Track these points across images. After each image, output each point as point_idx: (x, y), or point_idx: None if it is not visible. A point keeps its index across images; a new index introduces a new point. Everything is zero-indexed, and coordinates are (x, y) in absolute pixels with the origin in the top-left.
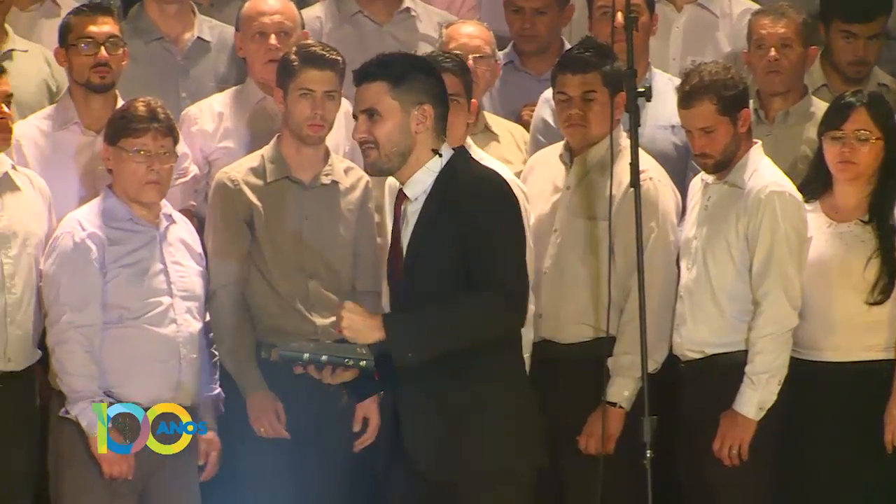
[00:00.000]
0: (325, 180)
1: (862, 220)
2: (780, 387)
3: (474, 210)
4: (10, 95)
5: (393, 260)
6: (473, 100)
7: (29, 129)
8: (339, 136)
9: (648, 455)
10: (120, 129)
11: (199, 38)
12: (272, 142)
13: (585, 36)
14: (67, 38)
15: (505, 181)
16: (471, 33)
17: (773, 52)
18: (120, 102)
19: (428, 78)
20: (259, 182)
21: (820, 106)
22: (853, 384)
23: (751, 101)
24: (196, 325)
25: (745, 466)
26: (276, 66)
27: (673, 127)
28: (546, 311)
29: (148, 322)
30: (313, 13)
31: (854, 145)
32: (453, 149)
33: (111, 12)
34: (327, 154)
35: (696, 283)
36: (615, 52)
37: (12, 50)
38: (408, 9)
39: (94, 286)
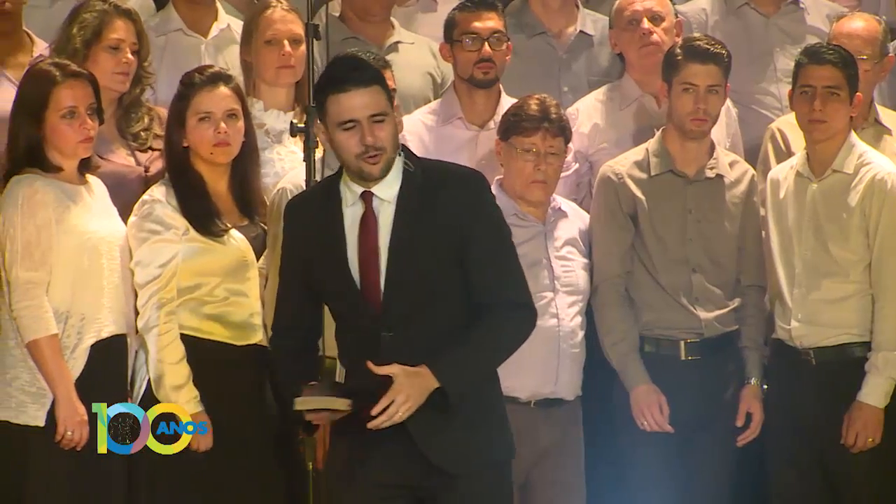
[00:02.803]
0: (710, 174)
1: None
2: None
3: (471, 208)
4: (393, 90)
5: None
6: (858, 94)
7: (414, 124)
8: (720, 131)
9: None
10: (512, 125)
11: (581, 31)
12: (657, 135)
13: None
14: (452, 34)
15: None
16: (852, 31)
17: None
18: (504, 98)
19: None
20: (643, 175)
21: None
22: None
23: None
24: (577, 320)
25: None
26: (649, 50)
27: None
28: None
29: None
30: (699, 5)
31: None
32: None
33: (496, 7)
34: (712, 147)
35: None
36: None
37: (398, 42)
38: (796, 0)
39: None
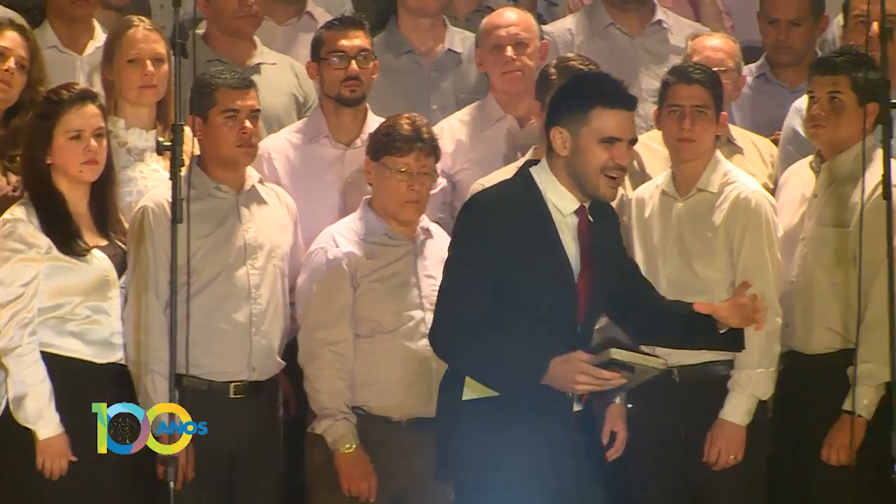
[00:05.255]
0: None
1: None
2: None
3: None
4: (258, 111)
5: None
6: (723, 112)
7: (280, 143)
8: None
9: None
10: (384, 145)
11: (449, 49)
12: (528, 153)
13: (845, 44)
14: (319, 52)
15: None
16: (715, 46)
17: None
18: (370, 116)
19: None
20: None
21: None
22: None
23: None
24: None
25: None
26: (513, 77)
27: None
28: (794, 321)
29: (401, 337)
30: (564, 25)
31: None
32: None
33: (363, 26)
34: None
35: None
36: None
37: (260, 63)
38: (660, 21)
39: (346, 303)
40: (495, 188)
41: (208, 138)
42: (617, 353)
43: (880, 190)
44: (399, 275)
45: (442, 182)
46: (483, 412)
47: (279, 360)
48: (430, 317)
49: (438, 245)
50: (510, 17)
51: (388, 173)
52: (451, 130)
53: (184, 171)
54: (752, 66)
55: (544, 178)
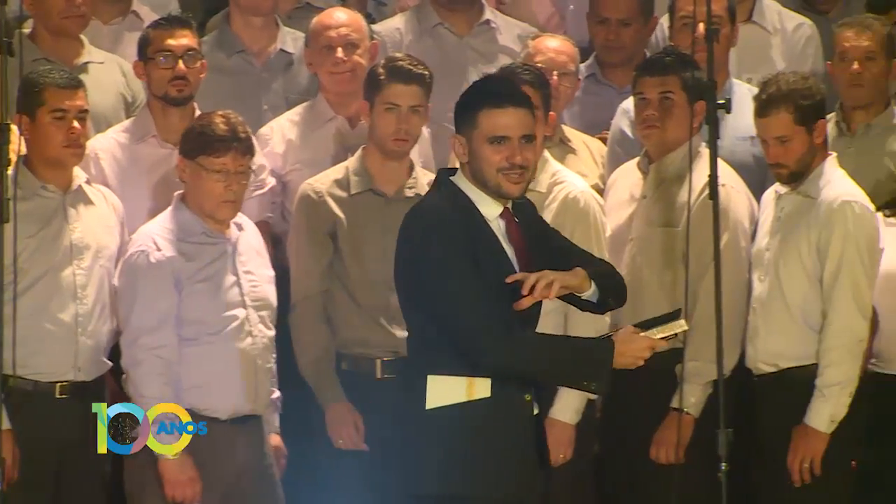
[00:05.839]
0: (410, 193)
1: None
2: (850, 399)
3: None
4: (86, 111)
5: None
6: (552, 112)
7: (107, 143)
8: (415, 150)
9: (723, 468)
10: (200, 145)
11: (281, 49)
12: (357, 154)
13: (669, 45)
14: (146, 52)
15: None
16: (557, 48)
17: (856, 65)
18: (198, 116)
19: None
20: (343, 194)
21: None
22: None
23: (834, 113)
24: (269, 334)
25: (820, 480)
26: (343, 77)
27: (752, 138)
28: (623, 320)
29: (226, 337)
30: (393, 25)
31: None
32: None
33: (190, 25)
34: (412, 167)
35: (769, 295)
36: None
37: (88, 63)
38: (488, 21)
39: (169, 306)
40: (425, 199)
41: (35, 138)
42: (657, 332)
43: (707, 190)
44: (219, 274)
45: (271, 182)
46: (448, 420)
47: (105, 360)
48: (251, 314)
49: (250, 237)
50: (340, 18)
51: (203, 173)
52: (282, 130)
53: (10, 171)
54: (582, 66)
55: (464, 186)
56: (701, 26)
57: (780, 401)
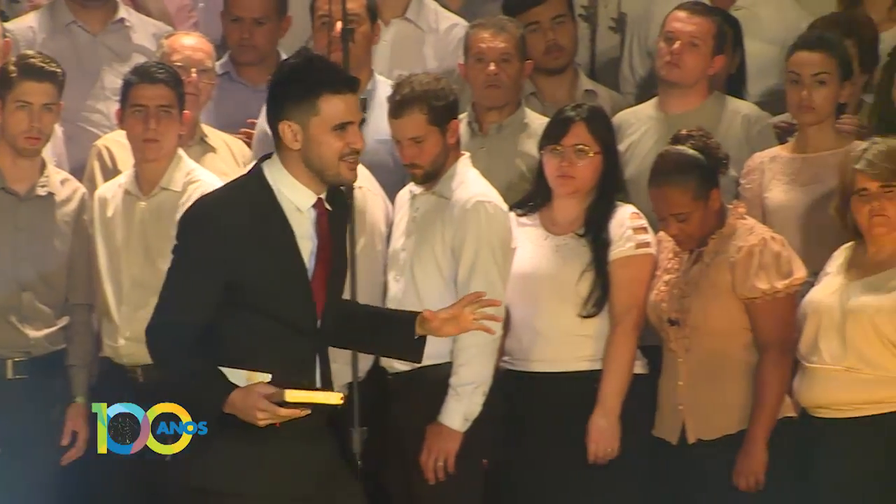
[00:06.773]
0: (41, 192)
1: (577, 234)
2: (484, 397)
3: None
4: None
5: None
6: (186, 112)
7: None
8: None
9: (359, 465)
10: None
11: None
12: None
13: (301, 47)
14: None
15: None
16: (194, 46)
17: (492, 67)
18: None
19: None
20: None
21: (532, 117)
22: (563, 394)
23: (466, 113)
24: None
25: (453, 478)
26: None
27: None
28: None
29: None
30: (26, 23)
31: (573, 159)
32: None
33: None
34: (43, 165)
35: (405, 295)
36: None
37: None
38: (122, 19)
39: None
40: (222, 190)
41: None
42: (290, 396)
43: None
44: None
45: None
46: (240, 423)
47: None
48: None
49: None
50: None
51: None
52: None
53: None
54: (218, 64)
55: (276, 174)
56: (338, 25)
57: (414, 399)
